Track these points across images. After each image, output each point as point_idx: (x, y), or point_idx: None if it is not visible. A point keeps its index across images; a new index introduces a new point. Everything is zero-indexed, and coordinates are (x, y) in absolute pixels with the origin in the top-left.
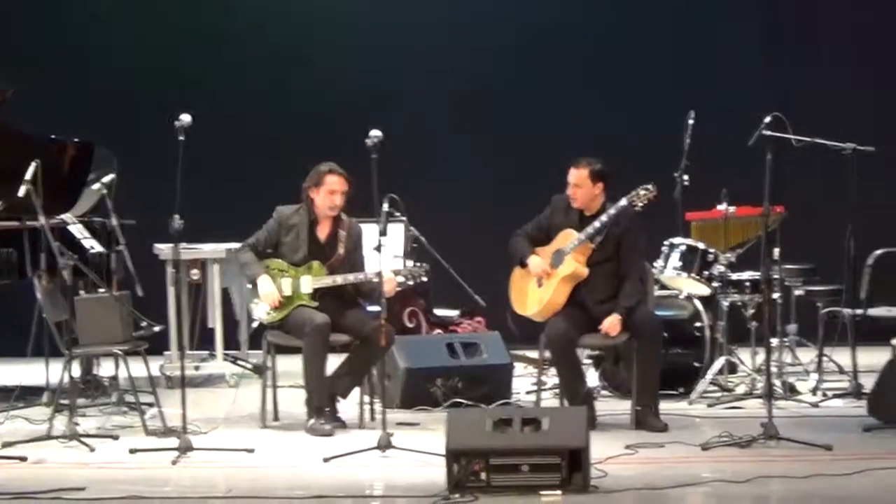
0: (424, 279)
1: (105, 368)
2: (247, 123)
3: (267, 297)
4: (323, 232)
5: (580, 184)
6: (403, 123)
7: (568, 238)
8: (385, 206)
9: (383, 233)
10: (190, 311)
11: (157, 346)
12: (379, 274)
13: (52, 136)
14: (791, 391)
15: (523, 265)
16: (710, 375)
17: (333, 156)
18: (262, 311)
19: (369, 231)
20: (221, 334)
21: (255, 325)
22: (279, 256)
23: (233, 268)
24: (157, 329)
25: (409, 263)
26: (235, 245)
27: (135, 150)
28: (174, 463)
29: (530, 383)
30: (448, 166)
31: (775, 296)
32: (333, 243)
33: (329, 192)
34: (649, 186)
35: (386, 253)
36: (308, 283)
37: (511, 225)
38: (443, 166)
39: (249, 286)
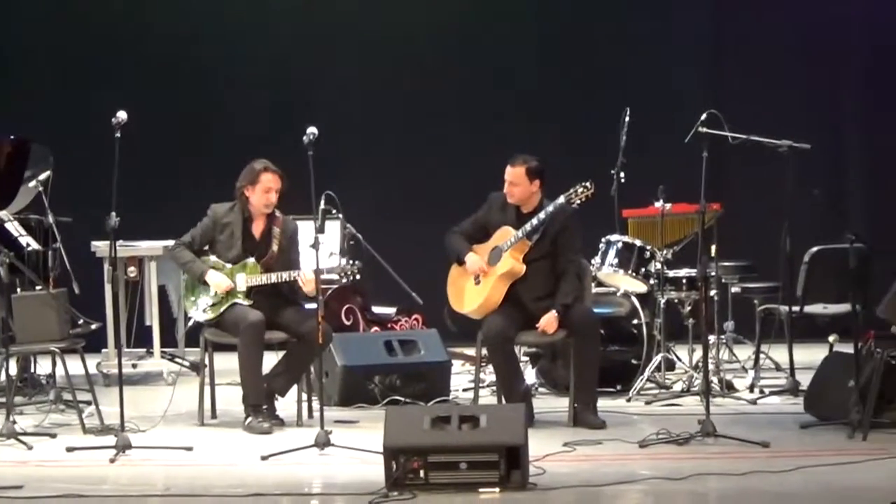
0: (357, 277)
1: (42, 366)
2: (181, 121)
3: (220, 285)
4: (257, 229)
5: (517, 181)
6: (339, 121)
7: (505, 235)
8: (322, 204)
9: (320, 230)
10: (127, 309)
11: (94, 343)
12: (316, 272)
13: None
14: (728, 388)
15: (461, 263)
16: (647, 373)
17: (267, 153)
18: (199, 307)
19: (306, 229)
20: (158, 332)
21: (191, 322)
22: (213, 254)
23: (169, 265)
24: (94, 327)
25: (343, 261)
26: (172, 242)
27: (71, 148)
28: (112, 461)
29: (468, 380)
30: (384, 164)
31: (712, 293)
32: (268, 240)
33: (264, 190)
34: (587, 184)
35: (322, 250)
36: (242, 281)
37: (448, 222)
38: (379, 163)
39: (184, 283)
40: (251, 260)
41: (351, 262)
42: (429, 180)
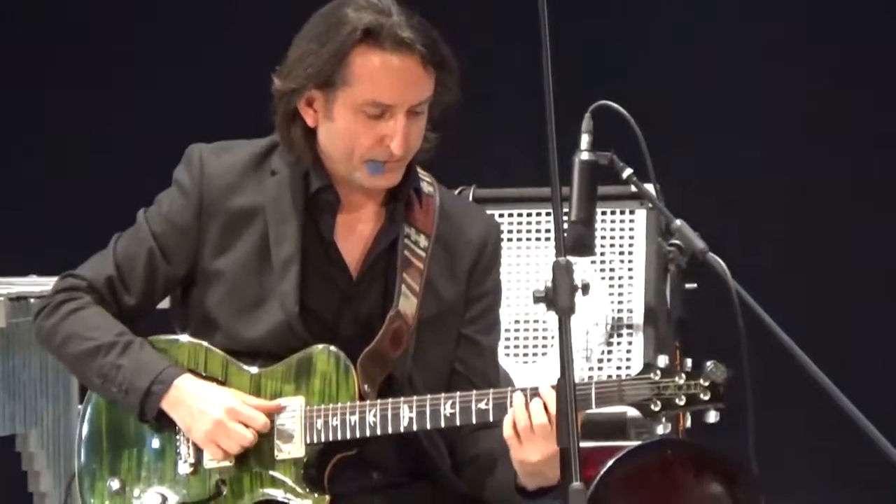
0: (713, 416)
1: None
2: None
3: (220, 438)
4: (351, 238)
5: None
6: None
7: None
8: (584, 145)
9: (580, 246)
10: None
11: None
12: (558, 397)
13: None
14: None
15: None
16: None
17: None
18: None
19: (521, 239)
20: None
21: None
22: (187, 324)
23: (33, 364)
24: None
25: (684, 363)
26: (35, 285)
27: None
28: None
29: None
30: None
31: None
32: (384, 281)
33: (373, 111)
34: None
35: (593, 316)
36: (297, 428)
37: None
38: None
39: (88, 421)
40: (323, 348)
41: (710, 363)
42: None
